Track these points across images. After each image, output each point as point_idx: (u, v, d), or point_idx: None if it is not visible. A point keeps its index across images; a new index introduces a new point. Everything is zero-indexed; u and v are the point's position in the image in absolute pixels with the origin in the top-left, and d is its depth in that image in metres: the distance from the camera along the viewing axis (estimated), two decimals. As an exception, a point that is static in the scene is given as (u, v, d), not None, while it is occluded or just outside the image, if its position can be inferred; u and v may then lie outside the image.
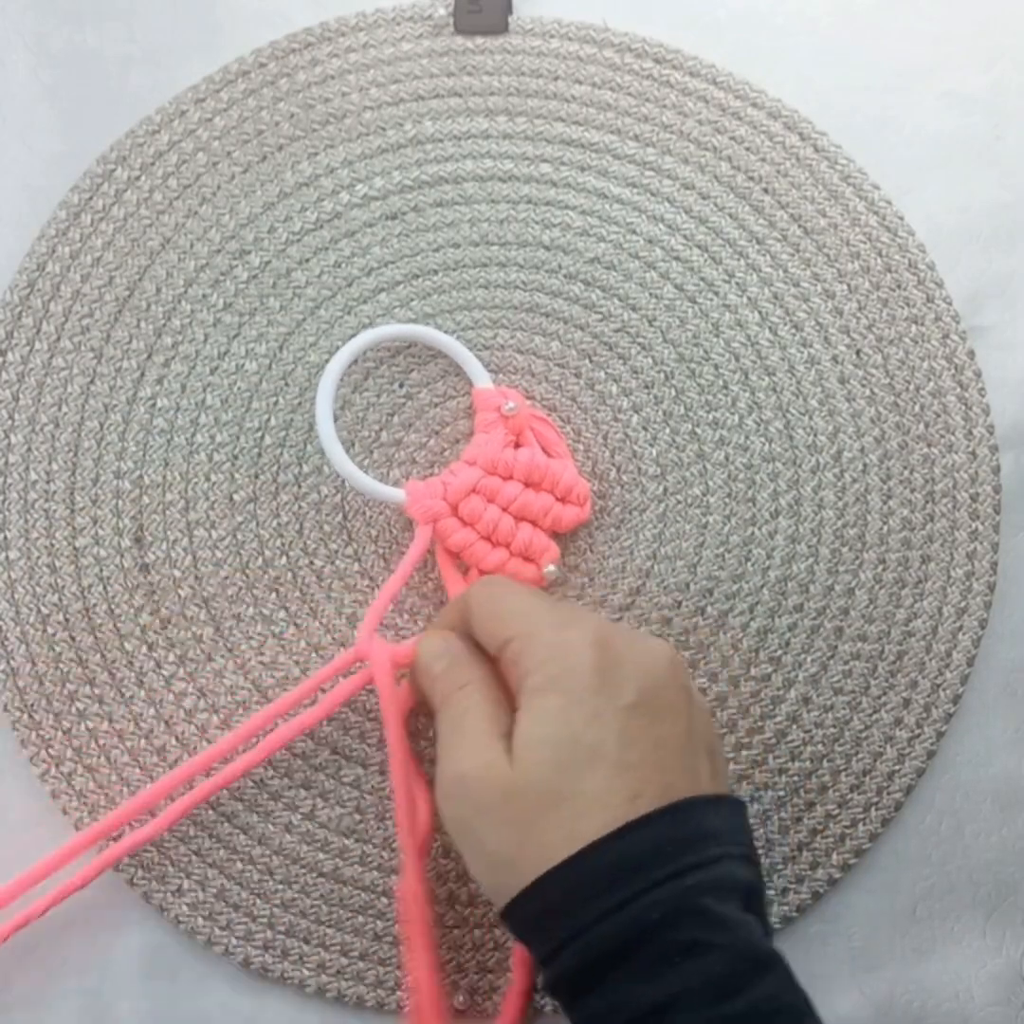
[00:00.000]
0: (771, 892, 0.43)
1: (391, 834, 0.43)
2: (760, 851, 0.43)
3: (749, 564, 0.44)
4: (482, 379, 0.44)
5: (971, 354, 0.45)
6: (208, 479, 0.44)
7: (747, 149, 0.46)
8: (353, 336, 0.44)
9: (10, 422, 0.45)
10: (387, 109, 0.47)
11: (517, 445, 0.44)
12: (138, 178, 0.46)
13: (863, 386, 0.45)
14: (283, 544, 0.44)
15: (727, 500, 0.44)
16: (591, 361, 0.45)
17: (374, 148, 0.46)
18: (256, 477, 0.44)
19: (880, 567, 0.44)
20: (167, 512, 0.44)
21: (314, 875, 0.42)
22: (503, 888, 0.33)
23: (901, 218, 0.46)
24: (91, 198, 0.46)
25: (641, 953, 0.31)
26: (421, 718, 0.43)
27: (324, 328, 0.45)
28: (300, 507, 0.44)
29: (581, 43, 0.47)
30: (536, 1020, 0.42)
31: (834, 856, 0.43)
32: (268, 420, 0.45)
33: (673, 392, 0.45)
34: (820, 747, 0.43)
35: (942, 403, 0.45)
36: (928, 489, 0.45)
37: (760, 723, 0.43)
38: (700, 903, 0.32)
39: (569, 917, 0.32)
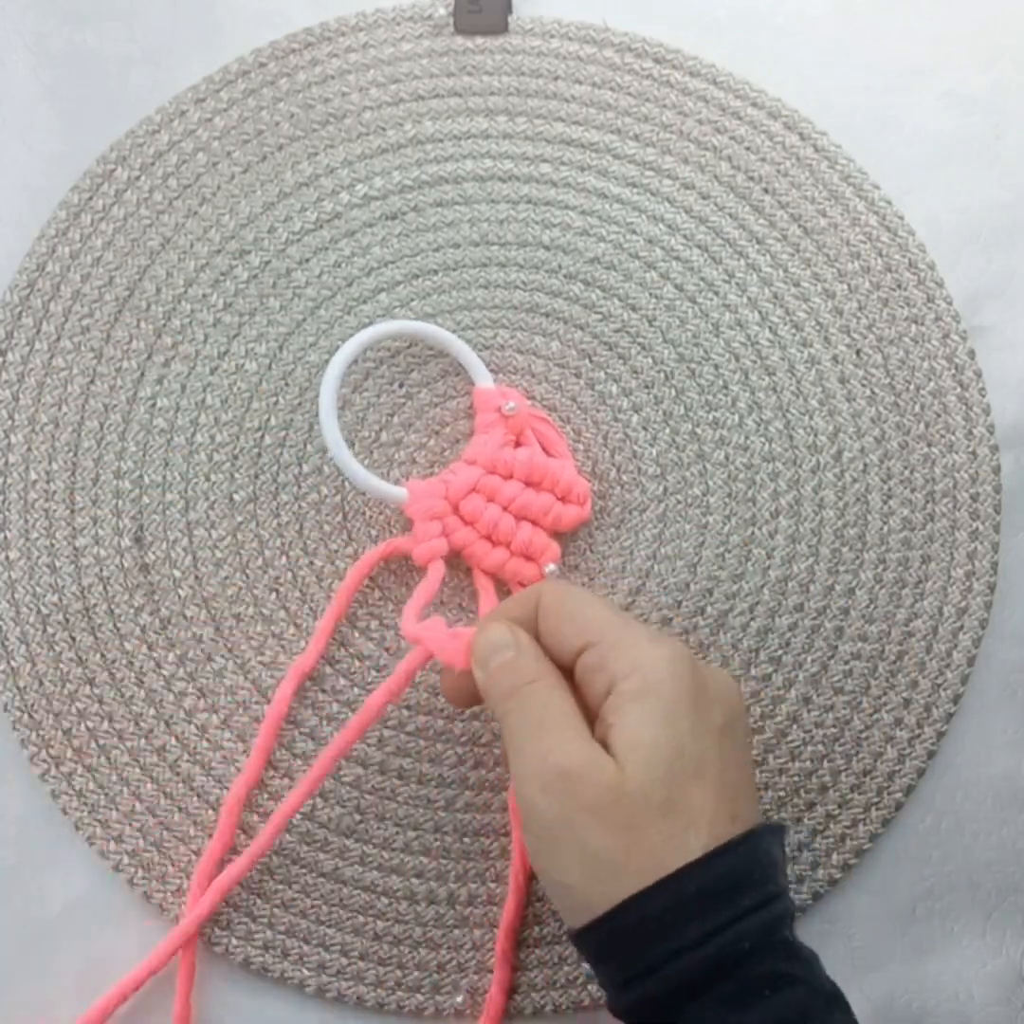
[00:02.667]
0: (771, 892, 0.43)
1: (391, 834, 0.43)
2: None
3: (749, 564, 0.44)
4: (483, 379, 0.44)
5: (971, 354, 0.45)
6: (208, 479, 0.44)
7: (747, 149, 0.46)
8: (353, 336, 0.44)
9: (10, 422, 0.45)
10: (387, 109, 0.47)
11: (517, 445, 0.44)
12: (138, 178, 0.46)
13: (863, 386, 0.45)
14: (283, 544, 0.44)
15: (727, 500, 0.44)
16: (591, 361, 0.45)
17: (374, 148, 0.46)
18: (256, 477, 0.44)
19: (880, 567, 0.44)
20: (167, 512, 0.44)
21: (314, 875, 0.42)
22: (598, 895, 0.32)
23: (901, 218, 0.46)
24: (91, 198, 0.46)
25: (732, 982, 0.31)
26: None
27: (324, 328, 0.45)
28: (300, 507, 0.44)
29: (581, 43, 0.47)
30: (517, 1019, 0.42)
31: (834, 856, 0.43)
32: (268, 420, 0.45)
33: (673, 392, 0.45)
34: (820, 747, 0.43)
35: (942, 403, 0.45)
36: (928, 489, 0.45)
37: (760, 723, 0.43)
38: (782, 935, 0.32)
39: (666, 935, 0.31)
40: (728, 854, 0.32)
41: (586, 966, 0.34)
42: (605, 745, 0.33)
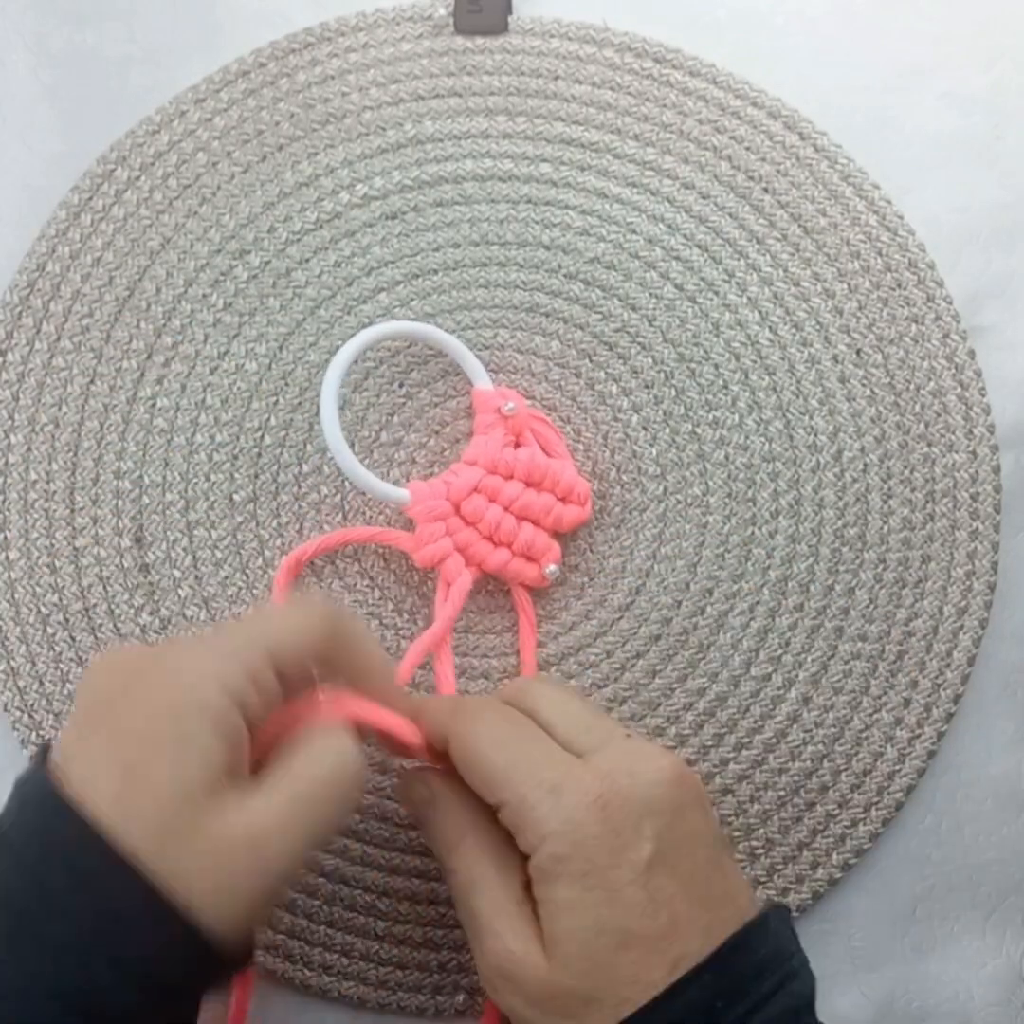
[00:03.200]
0: (771, 892, 0.43)
1: (392, 834, 0.43)
2: (760, 851, 0.43)
3: (749, 564, 0.44)
4: (482, 379, 0.44)
5: (971, 354, 0.45)
6: (208, 479, 0.44)
7: (747, 149, 0.46)
8: (353, 336, 0.44)
9: (10, 422, 0.45)
10: (387, 109, 0.47)
11: (517, 445, 0.44)
12: (138, 178, 0.46)
13: (863, 386, 0.45)
14: (283, 544, 0.44)
15: (727, 500, 0.44)
16: (591, 361, 0.45)
17: (374, 148, 0.46)
18: (256, 477, 0.44)
19: (880, 567, 0.44)
20: (167, 512, 0.44)
21: (315, 875, 0.42)
22: None
23: (901, 218, 0.46)
24: (91, 198, 0.46)
25: None
26: None
27: (324, 328, 0.45)
28: (300, 507, 0.44)
29: (581, 43, 0.47)
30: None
31: (834, 856, 0.43)
32: (268, 420, 0.45)
33: (673, 392, 0.45)
34: (820, 747, 0.43)
35: (942, 403, 0.45)
36: (928, 489, 0.45)
37: (760, 723, 0.43)
38: None
39: None
40: (668, 1004, 0.31)
41: None
42: (537, 916, 0.33)
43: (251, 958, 0.32)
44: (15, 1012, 0.28)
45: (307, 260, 0.46)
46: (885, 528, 0.44)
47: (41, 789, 0.30)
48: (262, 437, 0.45)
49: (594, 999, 0.31)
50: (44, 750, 0.32)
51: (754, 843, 0.43)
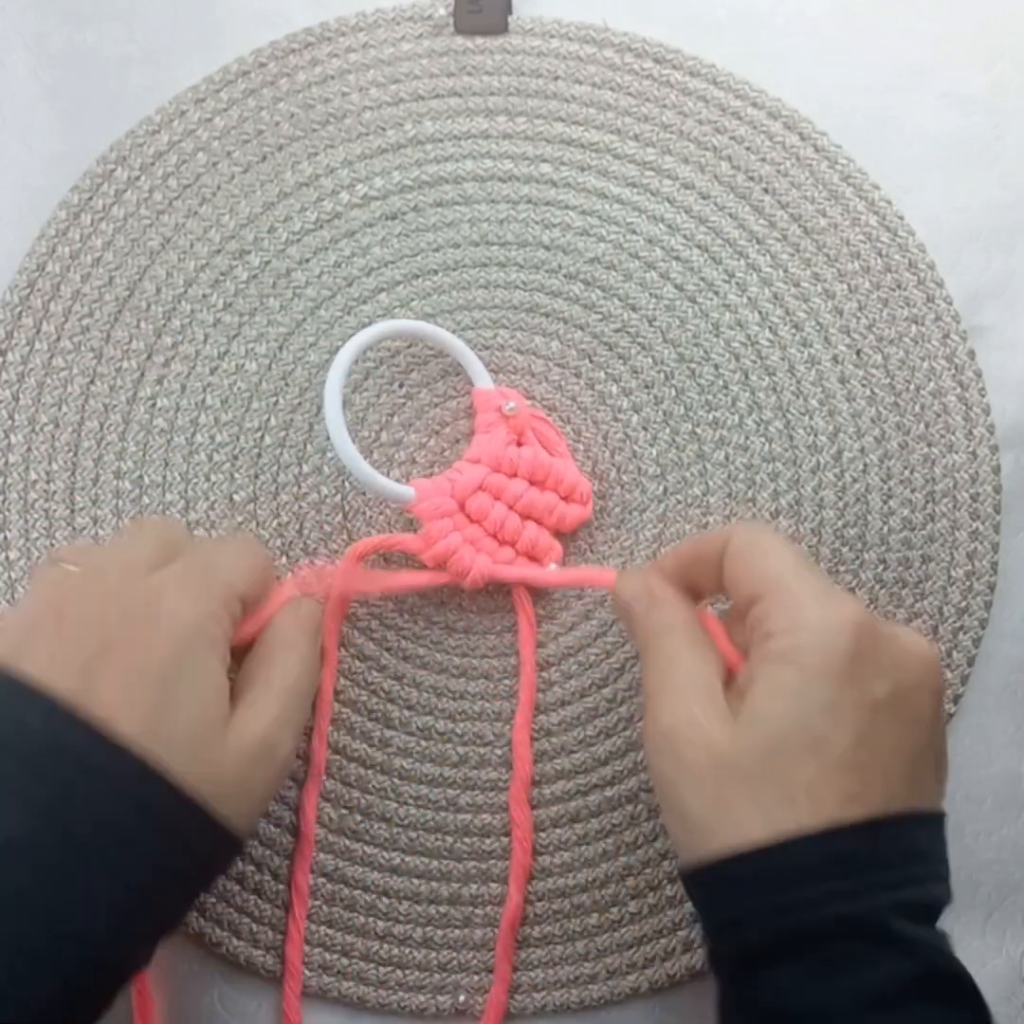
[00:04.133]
0: (771, 892, 0.43)
1: (393, 834, 0.43)
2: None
3: (749, 564, 0.44)
4: (483, 379, 0.44)
5: (971, 354, 0.45)
6: (208, 479, 0.44)
7: (747, 149, 0.46)
8: (354, 335, 0.44)
9: (10, 422, 0.45)
10: (387, 109, 0.47)
11: (518, 445, 0.44)
12: (138, 178, 0.46)
13: (863, 386, 0.45)
14: (283, 544, 0.44)
15: (727, 500, 0.45)
16: (591, 361, 0.45)
17: (374, 148, 0.46)
18: (256, 477, 0.44)
19: (881, 567, 0.44)
20: (167, 512, 0.44)
21: (315, 876, 0.42)
22: (692, 851, 0.33)
23: (901, 218, 0.46)
24: (91, 198, 0.46)
25: (808, 956, 0.31)
26: None
27: (324, 328, 0.45)
28: (300, 507, 0.44)
29: (581, 43, 0.47)
30: (517, 1020, 0.42)
31: (834, 856, 0.43)
32: (268, 420, 0.45)
33: (673, 392, 0.45)
34: (820, 747, 0.43)
35: (942, 403, 0.45)
36: (928, 489, 0.45)
37: (760, 723, 0.43)
38: (882, 920, 0.31)
39: (746, 902, 0.32)
40: (828, 840, 0.31)
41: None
42: (733, 709, 0.33)
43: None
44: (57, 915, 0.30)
45: (307, 260, 0.46)
46: (885, 528, 0.44)
47: (56, 716, 0.31)
48: (262, 437, 0.45)
49: (761, 784, 0.32)
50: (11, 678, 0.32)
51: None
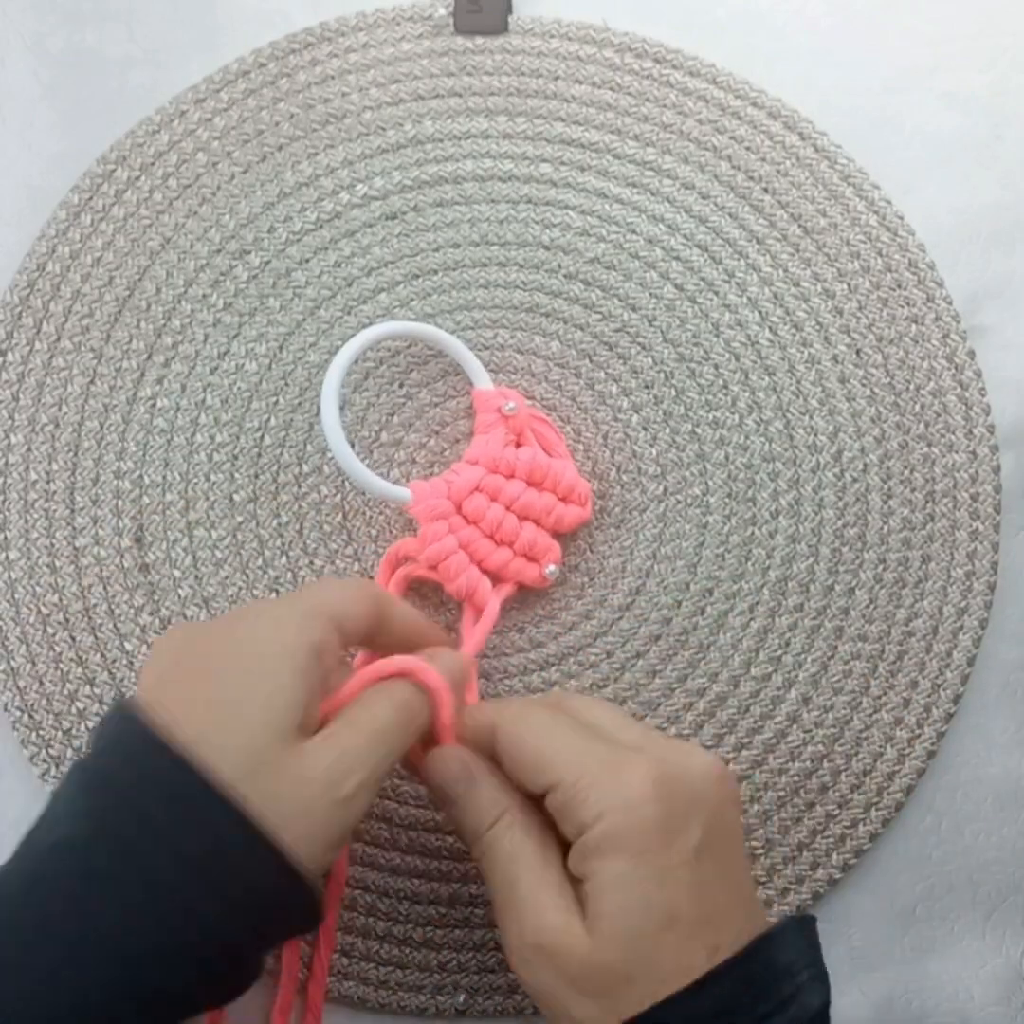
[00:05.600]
0: (771, 892, 0.43)
1: (392, 834, 0.43)
2: (760, 851, 0.43)
3: (749, 564, 0.44)
4: (482, 380, 0.44)
5: (971, 354, 0.45)
6: (208, 479, 0.44)
7: (747, 149, 0.46)
8: (353, 336, 0.44)
9: (10, 422, 0.45)
10: (387, 109, 0.47)
11: (517, 445, 0.44)
12: (138, 178, 0.46)
13: (863, 386, 0.45)
14: (283, 544, 0.44)
15: (727, 500, 0.45)
16: (591, 361, 0.45)
17: (374, 148, 0.46)
18: (256, 477, 0.44)
19: (880, 567, 0.44)
20: (167, 512, 0.44)
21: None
22: None
23: (901, 218, 0.46)
24: (91, 198, 0.46)
25: None
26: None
27: (324, 328, 0.45)
28: (300, 507, 0.44)
29: (581, 43, 0.47)
30: (517, 1019, 0.42)
31: (834, 856, 0.43)
32: (268, 420, 0.45)
33: (673, 392, 0.45)
34: (820, 747, 0.43)
35: (942, 403, 0.45)
36: (928, 489, 0.45)
37: (760, 723, 0.43)
38: None
39: None
40: (703, 991, 0.31)
41: None
42: (578, 896, 0.33)
43: (323, 909, 0.33)
44: (120, 945, 0.29)
45: (307, 260, 0.46)
46: (885, 528, 0.44)
47: (133, 728, 0.31)
48: (262, 437, 0.45)
49: (633, 978, 0.31)
50: (121, 701, 0.32)
51: (754, 843, 0.43)
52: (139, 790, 0.30)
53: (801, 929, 0.34)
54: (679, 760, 0.34)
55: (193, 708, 0.31)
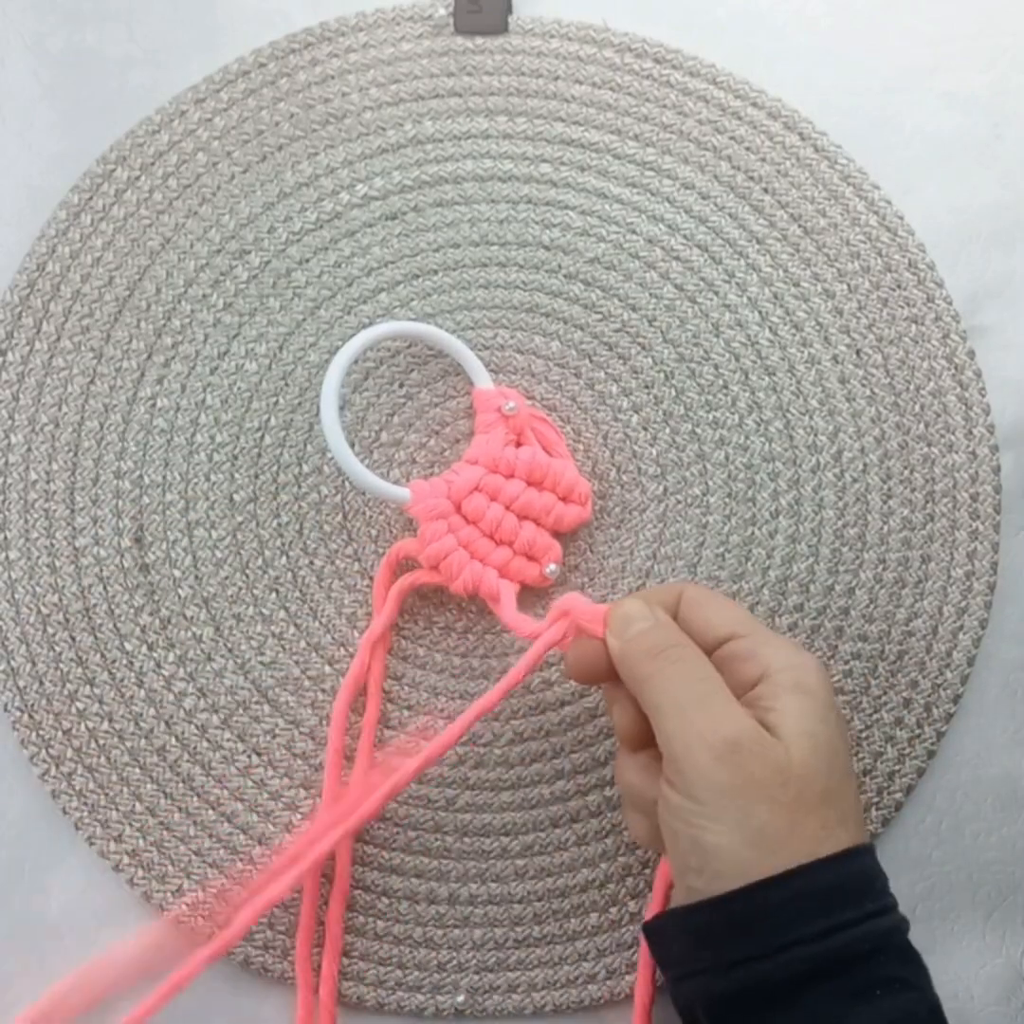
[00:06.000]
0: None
1: (391, 834, 0.43)
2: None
3: (749, 564, 0.44)
4: (483, 379, 0.44)
5: (971, 354, 0.45)
6: (208, 479, 0.44)
7: (747, 149, 0.46)
8: (353, 336, 0.44)
9: (10, 422, 0.45)
10: (387, 109, 0.47)
11: (518, 445, 0.44)
12: (138, 178, 0.46)
13: (863, 386, 0.45)
14: (283, 544, 0.44)
15: (727, 500, 0.44)
16: (591, 361, 0.45)
17: (374, 148, 0.46)
18: (256, 477, 0.44)
19: (880, 567, 0.44)
20: (167, 512, 0.44)
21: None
22: (753, 864, 0.32)
23: (901, 218, 0.46)
24: (91, 198, 0.46)
25: (849, 978, 0.31)
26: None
27: (324, 328, 0.45)
28: (300, 507, 0.44)
29: (581, 43, 0.47)
30: (517, 1019, 0.42)
31: (834, 856, 0.43)
32: (268, 420, 0.45)
33: (673, 392, 0.45)
34: (820, 747, 0.43)
35: (942, 403, 0.45)
36: (928, 489, 0.45)
37: (760, 723, 0.43)
38: (903, 941, 0.32)
39: (793, 924, 0.32)
40: (863, 855, 0.33)
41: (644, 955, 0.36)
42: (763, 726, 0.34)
43: None
44: None
45: (307, 260, 0.46)
46: (885, 528, 0.44)
47: None
48: (262, 437, 0.45)
49: (825, 801, 0.33)
50: None
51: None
52: None
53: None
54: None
55: None
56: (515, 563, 0.43)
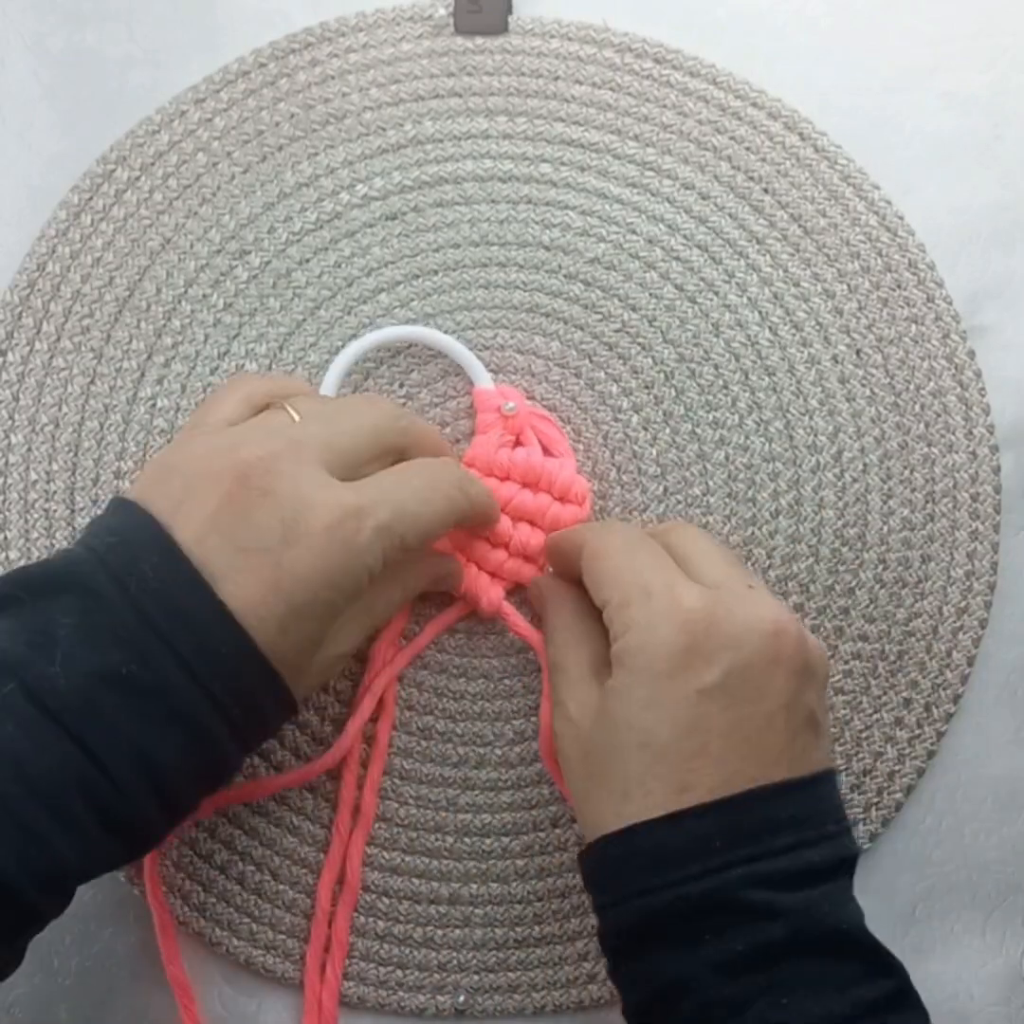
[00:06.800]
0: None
1: (392, 834, 0.43)
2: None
3: (749, 564, 0.44)
4: (482, 379, 0.44)
5: (971, 354, 0.45)
6: (208, 479, 0.44)
7: (747, 149, 0.46)
8: (353, 336, 0.45)
9: (10, 422, 0.45)
10: (387, 109, 0.47)
11: (517, 444, 0.44)
12: (138, 178, 0.46)
13: (863, 386, 0.45)
14: (283, 544, 0.44)
15: (727, 500, 0.45)
16: (591, 361, 0.45)
17: (374, 148, 0.46)
18: (256, 477, 0.44)
19: (880, 567, 0.44)
20: (167, 512, 0.44)
21: (315, 876, 0.42)
22: (582, 829, 0.36)
23: (901, 218, 0.46)
24: (91, 198, 0.46)
25: (673, 931, 0.32)
26: None
27: (324, 328, 0.45)
28: (300, 507, 0.44)
29: (581, 43, 0.47)
30: (517, 1019, 0.42)
31: (834, 856, 0.43)
32: (268, 420, 0.45)
33: (673, 392, 0.45)
34: (820, 747, 0.43)
35: (942, 403, 0.45)
36: (928, 489, 0.45)
37: (760, 723, 0.43)
38: (739, 895, 0.32)
39: (611, 886, 0.34)
40: (670, 825, 0.33)
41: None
42: None
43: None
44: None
45: (307, 260, 0.46)
46: (885, 528, 0.44)
47: (200, 595, 0.33)
48: (262, 437, 0.45)
49: (604, 780, 0.34)
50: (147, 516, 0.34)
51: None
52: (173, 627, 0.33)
53: (817, 785, 0.34)
54: (732, 605, 0.35)
55: (269, 597, 0.33)
56: (510, 564, 0.43)
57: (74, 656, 0.31)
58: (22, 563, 0.44)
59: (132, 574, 0.32)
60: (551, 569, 0.42)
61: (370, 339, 0.43)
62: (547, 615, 0.40)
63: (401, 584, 0.40)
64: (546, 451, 0.44)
